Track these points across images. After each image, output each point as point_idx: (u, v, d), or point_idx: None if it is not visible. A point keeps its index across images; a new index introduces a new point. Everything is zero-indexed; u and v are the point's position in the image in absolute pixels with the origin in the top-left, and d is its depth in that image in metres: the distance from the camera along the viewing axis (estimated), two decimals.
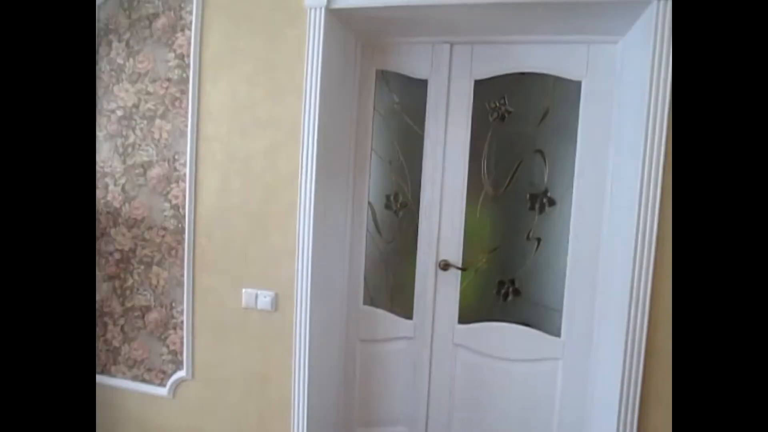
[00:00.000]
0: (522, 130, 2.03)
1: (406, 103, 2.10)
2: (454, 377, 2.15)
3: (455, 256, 2.09)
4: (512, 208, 2.06)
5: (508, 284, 2.07)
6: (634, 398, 1.60)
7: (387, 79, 2.10)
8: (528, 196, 2.03)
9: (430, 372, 2.15)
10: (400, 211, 2.15)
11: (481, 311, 2.11)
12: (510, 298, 2.07)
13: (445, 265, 2.08)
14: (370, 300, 2.19)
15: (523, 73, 1.99)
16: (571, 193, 1.95)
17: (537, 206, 2.02)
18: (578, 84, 1.92)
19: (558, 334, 2.00)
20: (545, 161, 2.01)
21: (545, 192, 2.00)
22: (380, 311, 2.17)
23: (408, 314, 2.15)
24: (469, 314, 2.12)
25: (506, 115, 2.04)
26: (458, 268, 2.08)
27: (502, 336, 2.07)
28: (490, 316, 2.10)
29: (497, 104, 2.04)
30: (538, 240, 2.03)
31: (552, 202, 2.00)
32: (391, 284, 2.20)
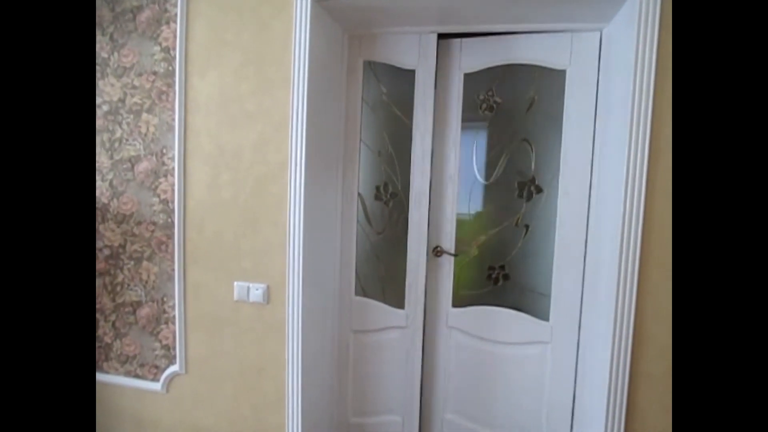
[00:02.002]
0: (510, 119, 2.07)
1: (394, 93, 2.11)
2: (448, 363, 2.19)
3: (448, 242, 2.14)
4: (502, 196, 2.11)
5: (498, 269, 2.13)
6: (623, 381, 1.63)
7: (374, 69, 2.10)
8: (516, 184, 2.07)
9: (423, 360, 2.18)
10: (390, 201, 2.17)
11: (474, 296, 2.16)
12: (500, 282, 2.12)
13: (439, 252, 2.13)
14: (362, 291, 2.20)
15: (510, 65, 2.02)
16: (557, 180, 1.98)
17: (525, 194, 2.06)
18: (563, 73, 1.94)
19: (547, 318, 2.04)
20: (532, 149, 2.05)
21: (532, 180, 2.04)
22: (372, 301, 2.19)
23: (400, 304, 2.17)
24: (462, 298, 2.17)
25: (494, 105, 2.07)
26: (451, 254, 2.12)
27: (494, 320, 2.11)
28: (482, 300, 2.15)
29: (486, 95, 2.08)
30: (526, 227, 2.07)
31: (539, 190, 2.03)
32: (382, 274, 2.21)
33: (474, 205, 2.15)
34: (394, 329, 2.18)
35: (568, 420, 2.01)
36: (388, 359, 2.20)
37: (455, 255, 2.14)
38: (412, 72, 2.05)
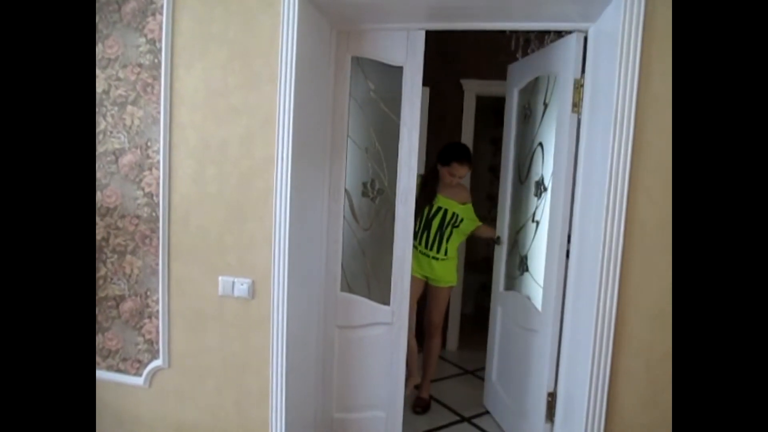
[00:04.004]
0: (533, 126, 2.29)
1: (381, 90, 2.11)
2: (498, 335, 2.56)
3: (504, 232, 2.57)
4: (527, 195, 2.33)
5: (523, 259, 2.34)
6: (604, 375, 1.66)
7: (362, 66, 2.09)
8: (534, 183, 2.24)
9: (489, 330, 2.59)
10: (377, 198, 2.17)
11: (510, 281, 2.53)
12: (524, 271, 2.34)
13: (499, 240, 2.60)
14: (348, 286, 2.21)
15: (536, 78, 2.27)
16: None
17: (538, 192, 2.22)
18: (557, 78, 1.99)
19: (540, 309, 2.12)
20: (543, 152, 2.18)
21: (542, 180, 2.17)
22: (358, 297, 2.19)
23: (385, 300, 2.17)
24: (506, 283, 2.59)
25: (528, 115, 2.32)
26: (497, 242, 2.62)
27: (518, 304, 2.40)
28: (514, 286, 2.48)
29: (525, 108, 2.37)
30: (537, 222, 2.22)
31: (545, 189, 2.14)
32: (368, 271, 2.22)
33: (517, 201, 2.47)
34: (380, 325, 2.19)
35: (542, 412, 2.06)
36: (372, 355, 2.20)
37: (499, 243, 2.59)
38: (400, 68, 2.05)
